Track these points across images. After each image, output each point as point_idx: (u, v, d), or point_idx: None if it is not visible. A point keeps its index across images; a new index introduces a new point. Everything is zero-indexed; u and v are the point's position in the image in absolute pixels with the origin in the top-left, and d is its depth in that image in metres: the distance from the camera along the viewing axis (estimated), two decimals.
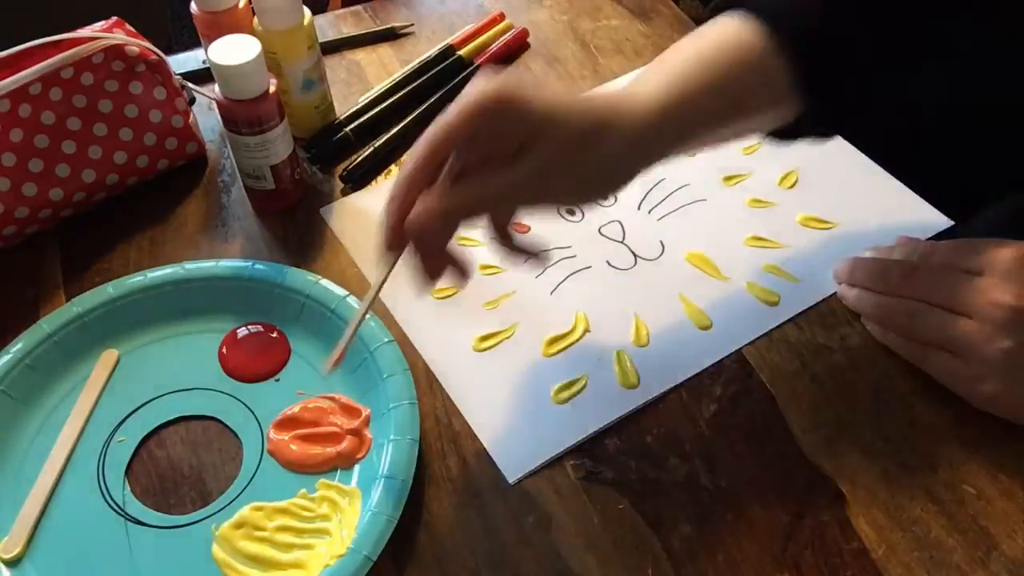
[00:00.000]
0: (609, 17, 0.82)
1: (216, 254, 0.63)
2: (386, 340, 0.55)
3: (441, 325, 0.58)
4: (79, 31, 0.62)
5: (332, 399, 0.54)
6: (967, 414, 0.52)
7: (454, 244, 0.46)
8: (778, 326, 0.58)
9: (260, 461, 0.52)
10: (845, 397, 0.54)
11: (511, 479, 0.51)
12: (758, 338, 0.57)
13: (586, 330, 0.58)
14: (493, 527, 0.49)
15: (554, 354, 0.57)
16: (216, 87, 0.60)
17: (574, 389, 0.55)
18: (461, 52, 0.77)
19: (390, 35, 0.81)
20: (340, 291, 0.58)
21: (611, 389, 0.55)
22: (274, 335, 0.58)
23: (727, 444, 0.52)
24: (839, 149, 0.68)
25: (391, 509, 0.48)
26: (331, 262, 0.62)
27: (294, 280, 0.59)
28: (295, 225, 0.65)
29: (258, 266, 0.60)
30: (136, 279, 0.59)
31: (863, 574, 0.47)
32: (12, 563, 0.48)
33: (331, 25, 0.82)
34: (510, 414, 0.54)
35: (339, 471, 0.52)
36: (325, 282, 0.58)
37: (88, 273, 0.62)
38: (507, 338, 0.58)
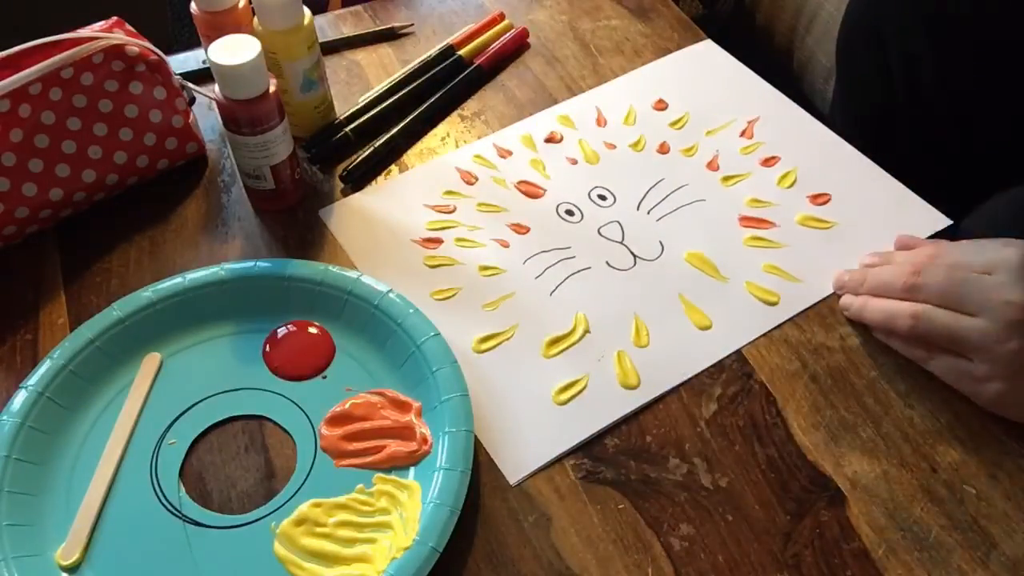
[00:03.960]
0: (609, 17, 0.82)
1: (216, 254, 0.63)
2: (432, 334, 0.55)
3: (441, 327, 0.58)
4: (79, 31, 0.62)
5: (381, 394, 0.54)
6: (967, 414, 0.52)
7: None
8: (778, 326, 0.58)
9: (315, 458, 0.52)
10: (845, 397, 0.54)
11: (512, 480, 0.51)
12: (758, 338, 0.57)
13: (586, 331, 0.58)
14: (493, 527, 0.49)
15: (554, 355, 0.57)
16: (216, 87, 0.60)
17: (575, 390, 0.55)
18: (461, 52, 0.77)
19: (390, 35, 0.81)
20: (382, 287, 0.58)
21: (612, 389, 0.55)
22: (318, 333, 0.58)
23: (727, 444, 0.52)
24: (838, 149, 0.68)
25: (453, 500, 0.48)
26: (331, 263, 0.62)
27: (334, 278, 0.58)
28: (295, 225, 0.65)
29: (298, 265, 0.59)
30: (175, 281, 0.59)
31: (863, 574, 0.47)
32: (71, 569, 0.48)
33: (331, 25, 0.82)
34: (511, 415, 0.54)
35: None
36: (366, 279, 0.58)
37: (88, 273, 0.62)
38: (507, 339, 0.58)
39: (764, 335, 0.57)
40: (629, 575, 0.47)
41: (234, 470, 0.52)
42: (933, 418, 0.53)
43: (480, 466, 0.52)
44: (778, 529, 0.49)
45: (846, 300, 0.58)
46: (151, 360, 0.57)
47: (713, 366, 0.56)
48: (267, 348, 0.57)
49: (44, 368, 0.54)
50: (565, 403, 0.55)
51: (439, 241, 0.64)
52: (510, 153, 0.70)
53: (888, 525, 0.49)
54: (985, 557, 0.47)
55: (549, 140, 0.71)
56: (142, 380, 0.56)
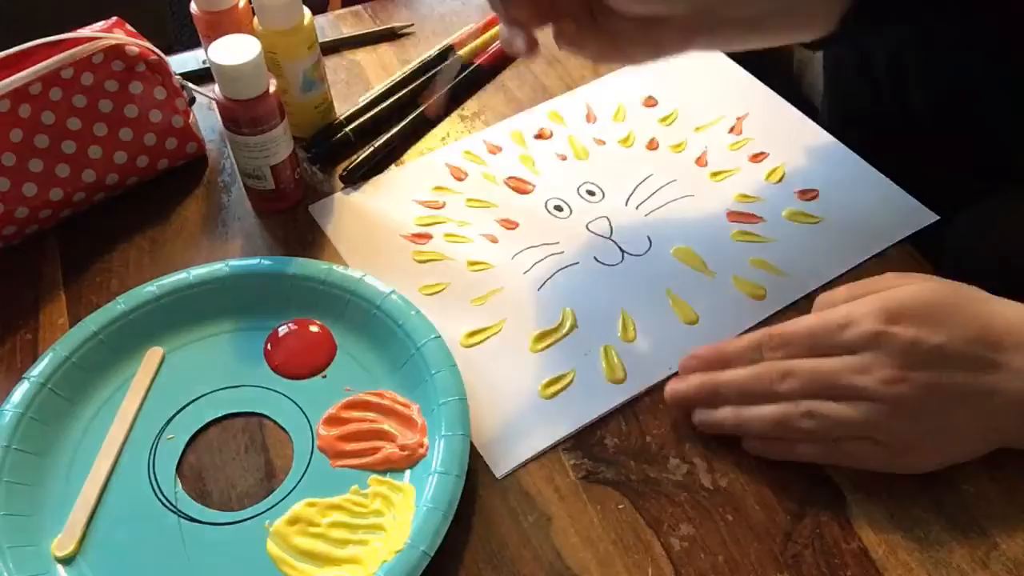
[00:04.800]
0: None
1: (216, 254, 0.63)
2: (433, 336, 0.55)
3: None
4: (79, 31, 0.62)
5: (380, 395, 0.54)
6: None
7: None
8: (763, 320, 0.58)
9: (311, 457, 0.52)
10: None
11: (499, 473, 0.51)
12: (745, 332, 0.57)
13: (573, 325, 0.58)
14: (493, 527, 0.49)
15: (541, 350, 0.57)
16: (216, 87, 0.60)
17: (561, 384, 0.55)
18: (461, 52, 0.77)
19: (390, 35, 0.81)
20: (384, 288, 0.57)
21: (598, 384, 0.55)
22: (319, 332, 0.58)
23: (727, 444, 0.52)
24: (827, 145, 0.69)
25: (446, 504, 0.48)
26: (332, 262, 0.62)
27: (338, 278, 0.58)
28: (295, 225, 0.65)
29: (301, 263, 0.60)
30: (179, 277, 0.59)
31: (863, 574, 0.47)
32: (66, 560, 0.48)
33: (331, 25, 0.82)
34: (498, 409, 0.54)
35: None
36: (369, 279, 0.58)
37: (88, 273, 0.62)
38: (495, 334, 0.58)
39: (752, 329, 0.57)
40: (629, 575, 0.48)
41: (234, 470, 0.52)
42: None
43: (480, 466, 0.52)
44: (778, 529, 0.49)
45: (703, 416, 0.52)
46: (153, 354, 0.57)
47: None
48: (268, 346, 0.57)
49: (47, 359, 0.54)
50: (552, 397, 0.55)
51: (428, 236, 0.64)
52: (500, 149, 0.70)
53: (888, 525, 0.49)
54: (985, 557, 0.47)
55: (539, 136, 0.71)
56: (144, 374, 0.56)
